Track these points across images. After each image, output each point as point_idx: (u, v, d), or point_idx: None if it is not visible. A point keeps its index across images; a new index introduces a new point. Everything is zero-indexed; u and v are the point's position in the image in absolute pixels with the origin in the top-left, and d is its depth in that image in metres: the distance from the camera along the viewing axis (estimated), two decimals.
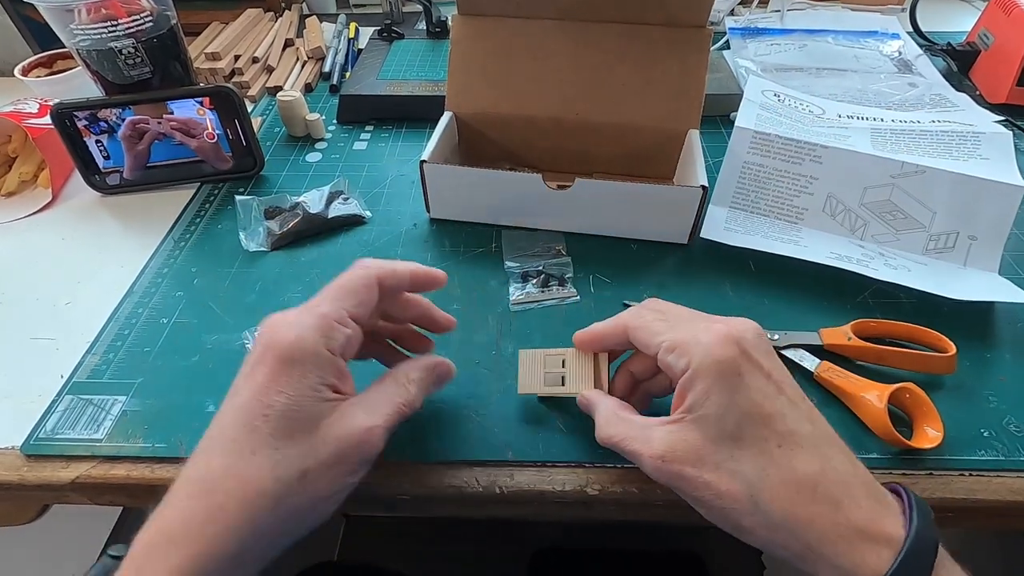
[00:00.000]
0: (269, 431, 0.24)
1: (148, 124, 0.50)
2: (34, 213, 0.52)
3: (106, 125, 0.49)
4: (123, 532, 0.57)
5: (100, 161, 0.51)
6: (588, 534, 1.09)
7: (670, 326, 0.29)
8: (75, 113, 0.48)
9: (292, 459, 0.24)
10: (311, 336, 0.26)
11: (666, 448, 0.26)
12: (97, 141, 0.50)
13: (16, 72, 0.62)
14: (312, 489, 0.25)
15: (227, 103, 0.50)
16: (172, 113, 0.50)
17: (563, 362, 0.35)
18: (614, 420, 0.30)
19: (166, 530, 0.23)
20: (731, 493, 0.25)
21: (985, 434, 0.34)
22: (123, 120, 0.49)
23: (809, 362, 0.37)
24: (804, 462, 0.24)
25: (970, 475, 0.33)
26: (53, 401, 0.37)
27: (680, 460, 0.26)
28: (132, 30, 0.47)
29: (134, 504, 0.36)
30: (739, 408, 0.25)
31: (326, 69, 0.70)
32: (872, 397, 0.34)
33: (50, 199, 0.52)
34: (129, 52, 0.48)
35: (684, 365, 0.26)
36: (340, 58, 0.71)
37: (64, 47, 0.63)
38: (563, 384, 0.35)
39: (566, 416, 0.36)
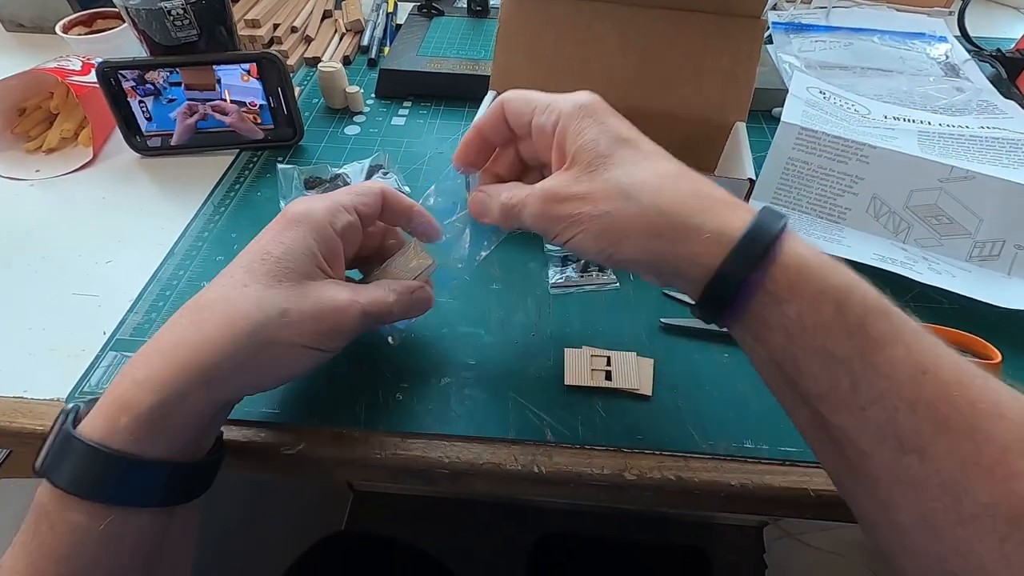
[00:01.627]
0: (263, 272, 0.28)
1: (198, 107, 0.51)
2: (75, 171, 0.52)
3: (152, 87, 0.49)
4: None
5: (143, 123, 0.51)
6: (593, 521, 1.10)
7: (539, 95, 0.30)
8: (122, 73, 0.48)
9: (276, 298, 0.27)
10: (319, 209, 0.30)
11: (547, 185, 0.28)
12: (140, 102, 0.50)
13: (57, 29, 0.62)
14: (291, 328, 0.27)
15: (273, 70, 0.50)
16: (219, 79, 0.49)
17: (608, 360, 0.36)
18: (506, 189, 0.31)
19: (154, 342, 0.27)
20: (603, 193, 0.26)
21: None
22: (169, 84, 0.49)
23: None
24: (668, 164, 0.27)
25: None
26: (96, 357, 0.37)
27: (558, 188, 0.27)
28: None
29: None
30: (607, 134, 0.27)
31: (364, 43, 0.69)
32: None
33: (91, 157, 0.53)
34: (178, 13, 0.47)
35: (555, 118, 0.28)
36: (379, 32, 0.70)
37: (104, 7, 0.63)
38: (609, 379, 0.36)
39: (606, 400, 0.36)
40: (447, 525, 1.09)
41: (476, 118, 0.33)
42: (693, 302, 0.27)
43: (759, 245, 0.24)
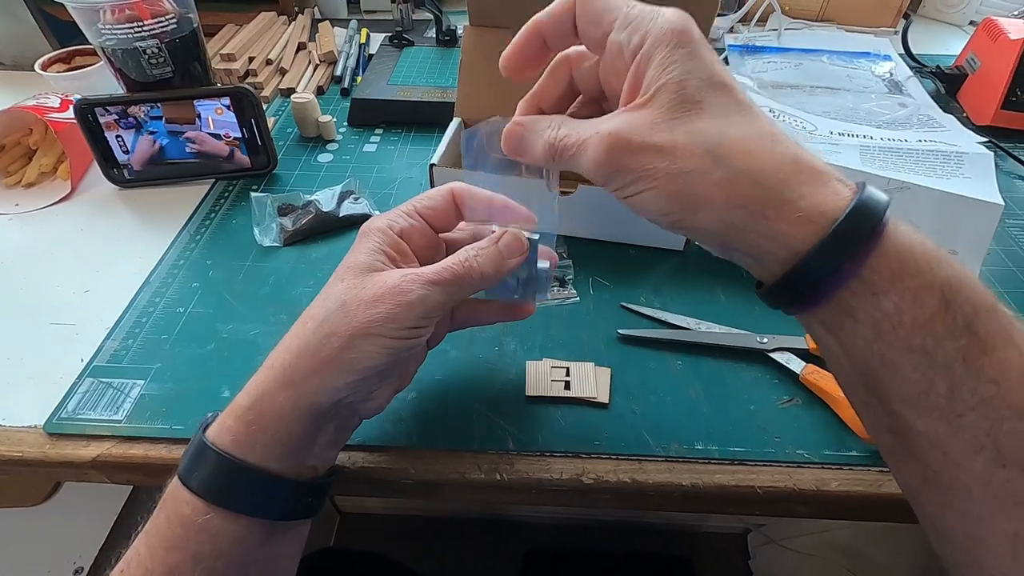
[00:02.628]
0: (333, 279, 0.29)
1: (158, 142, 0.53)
2: (53, 204, 0.53)
3: (134, 121, 0.51)
4: (124, 527, 0.58)
5: (119, 155, 0.53)
6: (580, 535, 1.11)
7: (621, 2, 0.25)
8: (105, 108, 0.50)
9: (338, 292, 0.28)
10: (381, 219, 0.30)
11: (617, 126, 0.23)
12: (118, 136, 0.52)
13: (36, 67, 0.64)
14: (349, 316, 0.27)
15: (245, 104, 0.52)
16: (199, 113, 0.51)
17: (567, 371, 0.38)
18: (553, 123, 0.26)
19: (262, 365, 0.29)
20: (687, 149, 0.22)
21: None
22: (150, 118, 0.51)
23: (795, 365, 0.39)
24: (763, 122, 0.23)
25: None
26: (74, 383, 0.39)
27: (631, 134, 0.23)
28: (156, 31, 0.49)
29: (150, 483, 0.37)
30: (700, 73, 0.23)
31: (338, 73, 0.72)
32: None
33: (69, 191, 0.54)
34: (153, 52, 0.50)
35: (638, 40, 0.23)
36: (351, 62, 0.73)
37: (82, 44, 0.65)
38: (568, 389, 0.38)
39: (566, 409, 0.38)
40: (435, 543, 1.09)
41: (534, 18, 0.27)
42: (760, 280, 0.24)
43: (862, 230, 0.21)
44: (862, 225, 0.21)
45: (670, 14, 0.23)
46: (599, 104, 0.29)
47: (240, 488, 0.27)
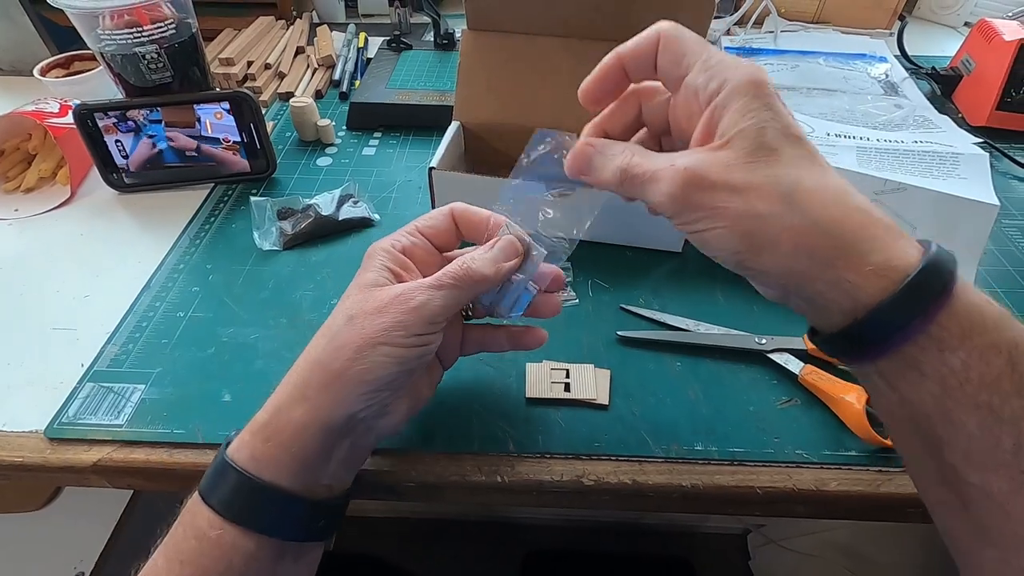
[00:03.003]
0: (341, 300, 0.30)
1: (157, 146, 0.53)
2: (53, 209, 0.54)
3: (133, 124, 0.51)
4: (124, 532, 0.58)
5: (119, 159, 0.53)
6: (580, 537, 1.11)
7: (708, 47, 0.26)
8: (104, 112, 0.50)
9: (345, 308, 0.29)
10: (383, 240, 0.31)
11: (693, 163, 0.24)
12: (118, 141, 0.52)
13: (35, 72, 0.64)
14: (356, 328, 0.27)
15: (245, 108, 0.52)
16: (199, 117, 0.52)
17: (567, 372, 0.38)
18: (627, 150, 0.27)
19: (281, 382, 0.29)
20: (762, 192, 0.23)
21: None
22: (150, 121, 0.51)
23: (794, 365, 0.39)
24: (834, 176, 0.24)
25: None
26: (75, 388, 0.39)
27: (708, 170, 0.24)
28: (155, 36, 0.49)
29: (151, 487, 0.37)
30: (777, 124, 0.24)
31: (336, 77, 0.72)
32: (851, 399, 0.36)
33: (68, 196, 0.54)
34: (152, 57, 0.50)
35: (716, 86, 0.24)
36: (350, 66, 0.73)
37: (81, 49, 0.65)
38: (568, 391, 0.38)
39: (566, 411, 0.38)
40: (434, 546, 1.09)
41: (619, 48, 0.27)
42: (818, 331, 0.25)
43: (933, 286, 0.22)
44: (933, 282, 0.22)
45: (748, 66, 0.24)
46: (659, 140, 0.30)
47: (253, 505, 0.27)
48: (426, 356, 0.29)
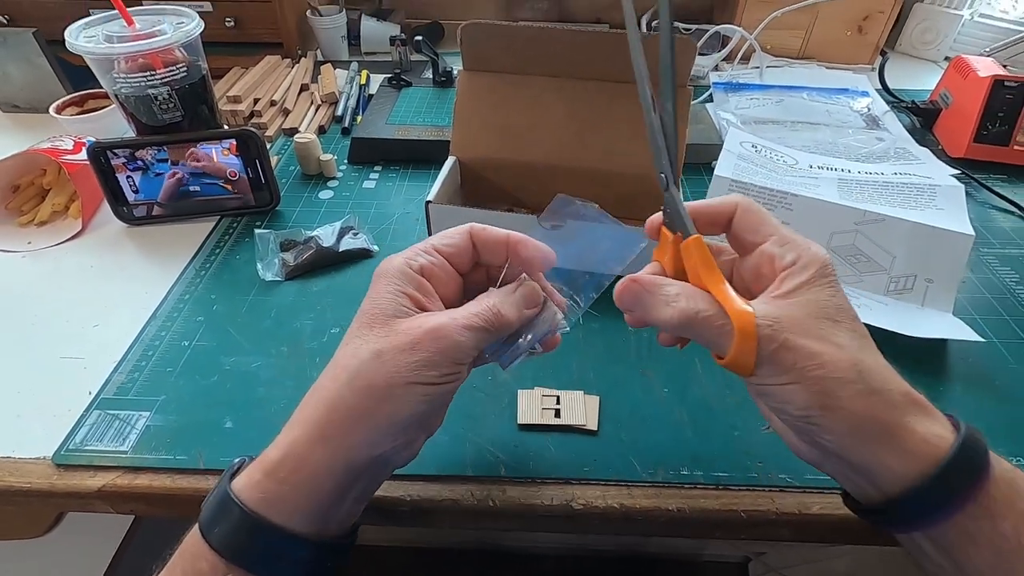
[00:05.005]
0: (358, 326, 0.28)
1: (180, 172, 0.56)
2: (64, 241, 0.56)
3: (142, 163, 0.53)
4: (124, 560, 0.58)
5: (129, 194, 0.55)
6: (579, 566, 1.10)
7: (780, 224, 0.29)
8: (115, 151, 0.52)
9: (368, 342, 0.27)
10: (397, 258, 0.30)
11: (772, 310, 0.26)
12: (129, 177, 0.54)
13: (51, 110, 0.67)
14: (387, 367, 0.26)
15: (250, 144, 0.54)
16: (199, 158, 0.54)
17: (557, 399, 0.40)
18: (695, 292, 0.28)
19: (292, 415, 0.28)
20: (837, 360, 0.25)
21: None
22: (157, 160, 0.54)
23: None
24: (881, 355, 0.26)
25: None
26: (82, 415, 0.40)
27: (787, 328, 0.25)
28: (168, 79, 0.52)
29: (152, 512, 0.38)
30: (837, 300, 0.26)
31: (339, 113, 0.75)
32: None
33: (80, 229, 0.56)
34: (164, 98, 0.52)
35: (792, 258, 0.27)
36: (352, 103, 0.76)
37: (94, 88, 0.68)
38: (558, 417, 0.39)
39: (556, 436, 0.39)
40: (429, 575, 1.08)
41: (704, 202, 0.30)
42: (860, 503, 0.27)
43: (976, 455, 0.24)
44: (977, 449, 0.24)
45: (819, 247, 0.28)
46: None
47: (261, 548, 0.26)
48: (454, 390, 0.29)
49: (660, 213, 0.31)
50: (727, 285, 0.27)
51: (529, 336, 0.32)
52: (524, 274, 0.31)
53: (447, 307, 0.30)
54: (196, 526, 0.27)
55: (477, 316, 0.28)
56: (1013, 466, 0.25)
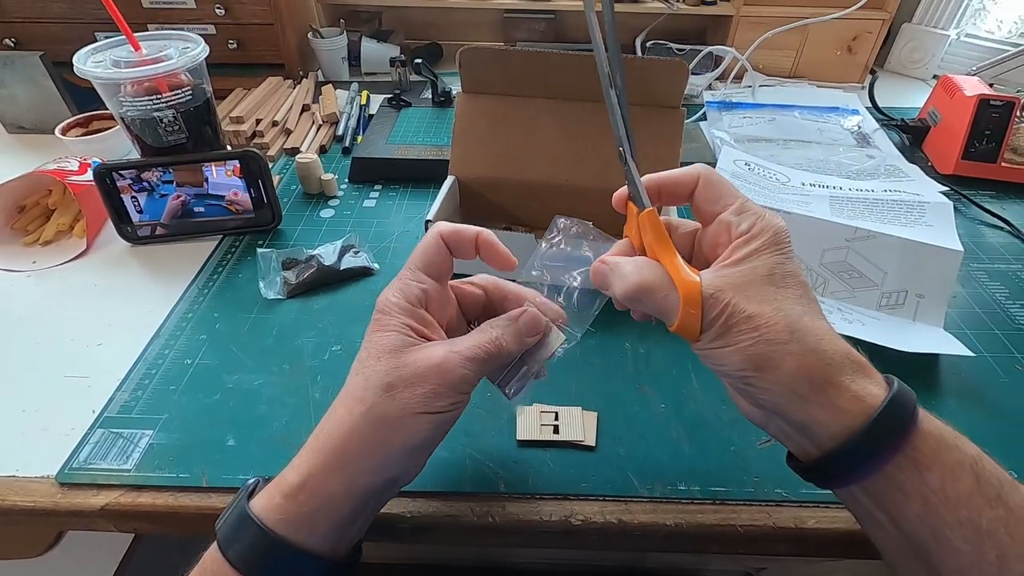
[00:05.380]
0: (366, 356, 0.30)
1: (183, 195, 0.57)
2: (69, 261, 0.56)
3: (148, 185, 0.54)
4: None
5: (134, 215, 0.56)
6: None
7: (742, 195, 0.30)
8: (120, 172, 0.53)
9: (379, 374, 0.29)
10: (390, 293, 0.31)
11: (715, 280, 0.27)
12: (133, 198, 0.55)
13: (56, 132, 0.68)
14: (398, 400, 0.28)
15: (252, 165, 0.55)
16: (207, 177, 0.55)
17: (556, 415, 0.40)
18: (645, 267, 0.29)
19: (314, 431, 0.30)
20: (772, 323, 0.26)
21: None
22: (163, 182, 0.55)
23: None
24: (825, 320, 0.28)
25: None
26: (86, 434, 0.40)
27: (729, 294, 0.26)
28: (173, 102, 0.53)
29: (155, 531, 0.39)
30: (786, 268, 0.27)
31: (339, 132, 0.76)
32: None
33: (84, 248, 0.57)
34: (169, 121, 0.54)
35: (747, 227, 0.28)
36: (352, 123, 0.77)
37: (100, 109, 0.69)
38: (557, 433, 0.40)
39: (555, 452, 0.39)
40: None
41: (660, 173, 0.31)
42: (799, 458, 0.28)
43: (905, 411, 0.25)
44: (906, 405, 0.25)
45: (776, 217, 0.29)
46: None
47: (281, 567, 0.27)
48: (459, 415, 0.31)
49: (625, 187, 0.32)
50: (678, 257, 0.29)
51: (535, 365, 0.33)
52: (528, 302, 0.33)
53: (449, 329, 0.32)
54: (214, 544, 0.28)
55: (479, 348, 0.30)
56: (944, 423, 0.26)
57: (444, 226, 0.32)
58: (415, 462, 0.31)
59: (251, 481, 0.30)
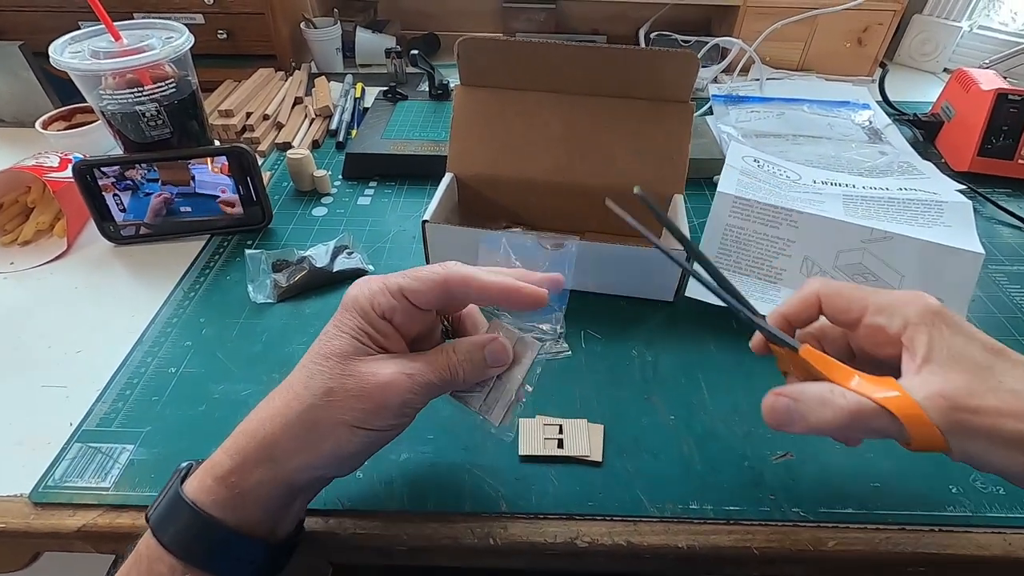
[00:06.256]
0: (314, 353, 0.29)
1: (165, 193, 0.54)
2: (49, 262, 0.54)
3: (132, 183, 0.52)
4: None
5: (117, 215, 0.54)
6: None
7: (863, 291, 0.30)
8: (102, 170, 0.51)
9: (321, 377, 0.28)
10: (364, 293, 0.29)
11: (939, 389, 0.25)
12: (116, 196, 0.53)
13: (37, 126, 0.65)
14: (334, 409, 0.27)
15: (241, 161, 0.53)
16: (193, 176, 0.53)
17: (560, 428, 0.38)
18: (839, 390, 0.27)
19: (248, 415, 0.29)
20: (1013, 404, 0.25)
21: (954, 491, 0.36)
22: (147, 180, 0.52)
23: None
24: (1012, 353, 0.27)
25: (940, 531, 0.35)
26: (62, 449, 0.38)
27: (961, 395, 0.25)
28: (156, 95, 0.50)
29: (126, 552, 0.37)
30: (974, 343, 0.26)
31: (333, 127, 0.73)
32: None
33: (65, 248, 0.55)
34: (152, 115, 0.51)
35: (900, 323, 0.28)
36: (347, 116, 0.75)
37: (83, 102, 0.66)
38: (561, 447, 0.37)
39: (559, 468, 0.37)
40: None
41: (780, 305, 0.32)
42: None
43: None
44: None
45: (915, 298, 0.28)
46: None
47: (218, 549, 0.27)
48: (398, 434, 0.30)
49: (758, 335, 0.32)
50: (858, 375, 0.27)
51: (512, 384, 0.31)
52: (499, 332, 0.31)
53: (411, 340, 0.31)
54: (148, 532, 0.28)
55: (434, 372, 0.29)
56: None
57: (455, 272, 0.29)
58: (349, 465, 0.30)
59: (184, 465, 0.29)
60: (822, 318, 0.32)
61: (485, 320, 0.34)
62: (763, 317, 0.31)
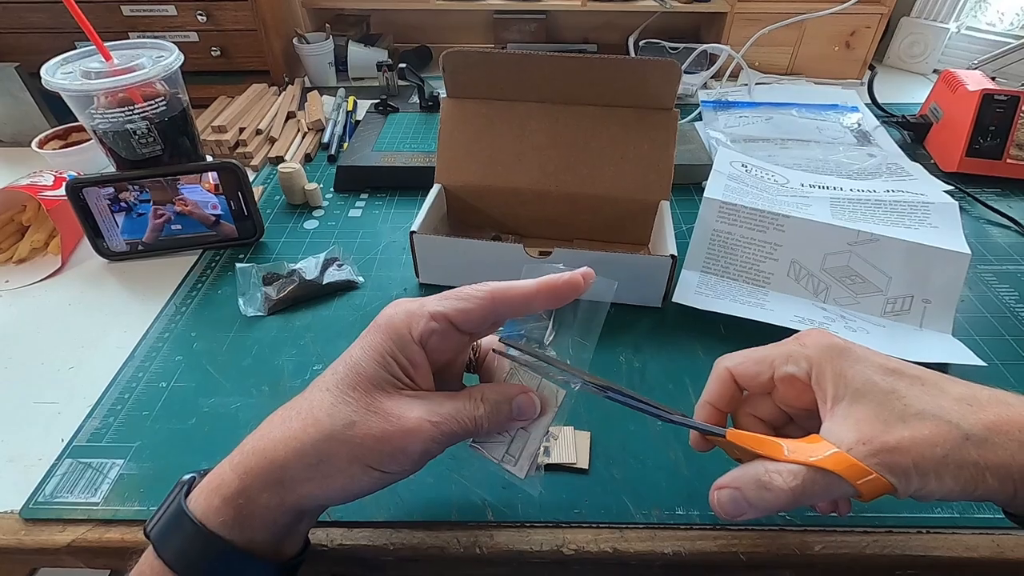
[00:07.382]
0: (340, 376, 0.27)
1: (165, 211, 0.55)
2: (43, 279, 0.54)
3: (125, 205, 0.53)
4: None
5: (114, 237, 0.54)
6: None
7: (765, 351, 0.30)
8: (98, 191, 0.51)
9: (347, 406, 0.27)
10: (400, 315, 0.28)
11: (856, 435, 0.25)
12: (112, 218, 0.53)
13: (33, 145, 0.66)
14: (351, 446, 0.26)
15: (232, 177, 0.54)
16: (182, 196, 0.53)
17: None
18: (773, 468, 0.26)
19: (255, 433, 0.28)
20: (939, 434, 0.24)
21: None
22: (140, 201, 0.53)
23: None
24: (952, 386, 0.26)
25: (927, 532, 0.34)
26: (53, 465, 0.38)
27: (876, 434, 0.25)
28: (147, 113, 0.51)
29: (127, 567, 0.37)
30: (872, 367, 0.26)
31: (325, 140, 0.74)
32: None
33: (59, 265, 0.55)
34: (143, 132, 0.52)
35: (806, 366, 0.28)
36: (338, 130, 0.75)
37: (78, 121, 0.67)
38: (548, 455, 0.37)
39: (545, 476, 0.37)
40: None
41: (704, 394, 0.32)
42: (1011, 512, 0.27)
43: None
44: None
45: (809, 337, 0.29)
46: (770, 423, 0.32)
47: (224, 569, 0.27)
48: (407, 476, 0.29)
49: (692, 432, 0.32)
50: (786, 443, 0.27)
51: (540, 431, 0.31)
52: (520, 376, 0.31)
53: (437, 370, 0.29)
54: (150, 550, 0.27)
55: (457, 422, 0.28)
56: None
57: (499, 290, 0.28)
58: (353, 498, 0.29)
59: (187, 477, 0.29)
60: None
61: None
62: (682, 414, 0.30)
